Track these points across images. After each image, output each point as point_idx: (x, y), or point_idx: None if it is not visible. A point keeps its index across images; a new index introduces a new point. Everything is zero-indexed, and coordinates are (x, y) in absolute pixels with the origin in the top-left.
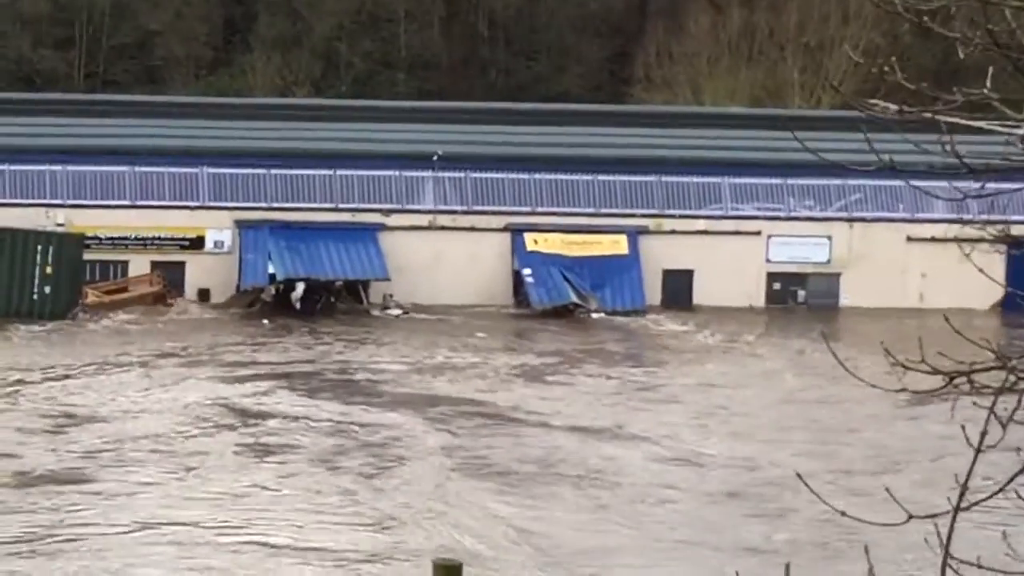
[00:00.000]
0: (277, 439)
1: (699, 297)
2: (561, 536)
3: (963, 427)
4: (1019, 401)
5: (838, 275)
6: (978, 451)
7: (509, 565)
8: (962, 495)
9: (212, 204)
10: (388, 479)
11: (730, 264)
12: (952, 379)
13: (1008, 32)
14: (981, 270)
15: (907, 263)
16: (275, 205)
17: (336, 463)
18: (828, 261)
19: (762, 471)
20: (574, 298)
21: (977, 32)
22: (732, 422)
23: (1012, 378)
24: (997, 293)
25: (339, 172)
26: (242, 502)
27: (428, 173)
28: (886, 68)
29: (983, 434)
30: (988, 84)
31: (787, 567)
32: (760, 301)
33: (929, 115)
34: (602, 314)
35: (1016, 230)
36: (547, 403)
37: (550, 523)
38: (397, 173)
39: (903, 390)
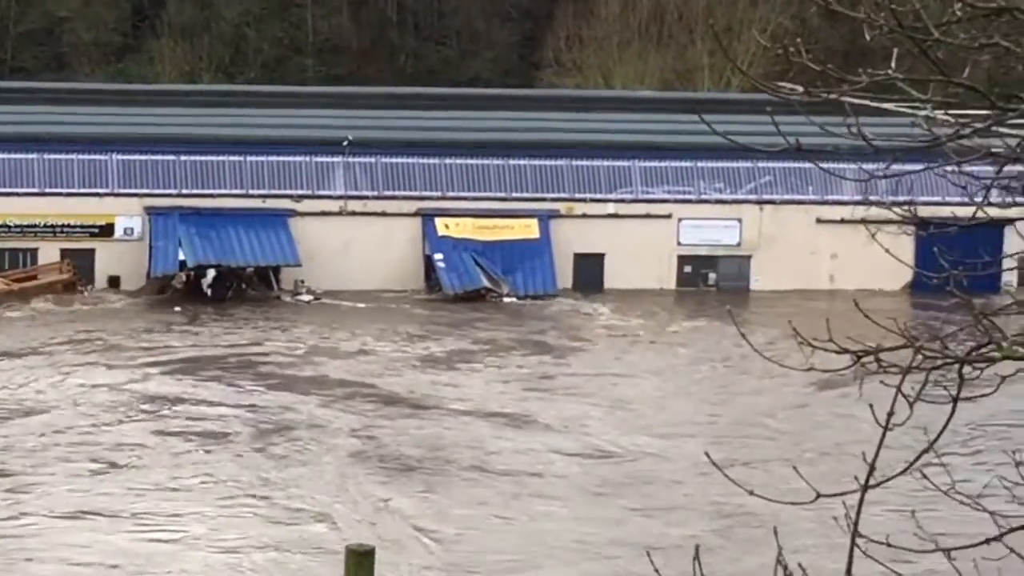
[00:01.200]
0: (186, 426)
1: (610, 280)
2: (455, 531)
3: (871, 406)
4: (925, 380)
5: (748, 257)
6: (885, 429)
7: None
8: (870, 474)
9: (121, 191)
10: (290, 467)
11: (641, 247)
12: (859, 358)
13: (913, 13)
14: (888, 250)
15: (817, 245)
16: (185, 192)
17: (242, 450)
18: (738, 244)
19: (668, 462)
20: (485, 283)
21: (882, 14)
22: (640, 411)
23: (919, 357)
24: (907, 274)
25: (249, 158)
26: (150, 491)
27: (338, 159)
28: (791, 50)
29: (890, 413)
30: (893, 65)
31: (696, 549)
32: (671, 284)
33: (834, 96)
34: (514, 298)
35: (923, 211)
36: (453, 390)
37: (444, 518)
38: (307, 159)
39: (811, 369)
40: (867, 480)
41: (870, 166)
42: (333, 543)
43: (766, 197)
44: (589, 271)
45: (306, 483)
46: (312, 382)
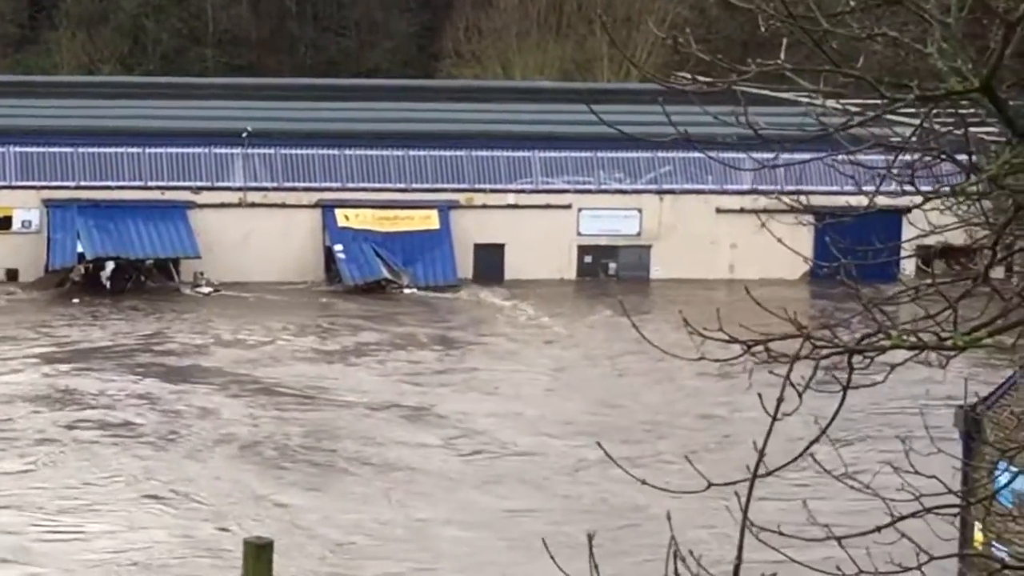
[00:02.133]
0: (79, 418)
1: (511, 271)
2: (338, 534)
3: (760, 395)
4: (815, 369)
5: (648, 247)
6: (774, 419)
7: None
8: (758, 463)
9: (19, 183)
10: (177, 459)
11: (541, 237)
12: (749, 348)
13: (806, 4)
14: (780, 240)
15: (716, 234)
16: (83, 184)
17: (132, 442)
18: (638, 233)
19: (558, 458)
20: (386, 274)
21: (772, 4)
22: (533, 405)
23: (809, 346)
24: (806, 263)
25: (148, 150)
26: (39, 484)
27: (238, 150)
28: (681, 41)
29: (779, 402)
30: (783, 55)
31: (589, 537)
32: (571, 274)
33: (725, 86)
34: (414, 289)
35: (821, 200)
36: (346, 382)
37: (328, 519)
38: (207, 150)
39: (702, 358)
40: (755, 469)
41: (767, 155)
42: (215, 538)
43: (666, 187)
44: (489, 261)
45: (193, 476)
46: (207, 374)
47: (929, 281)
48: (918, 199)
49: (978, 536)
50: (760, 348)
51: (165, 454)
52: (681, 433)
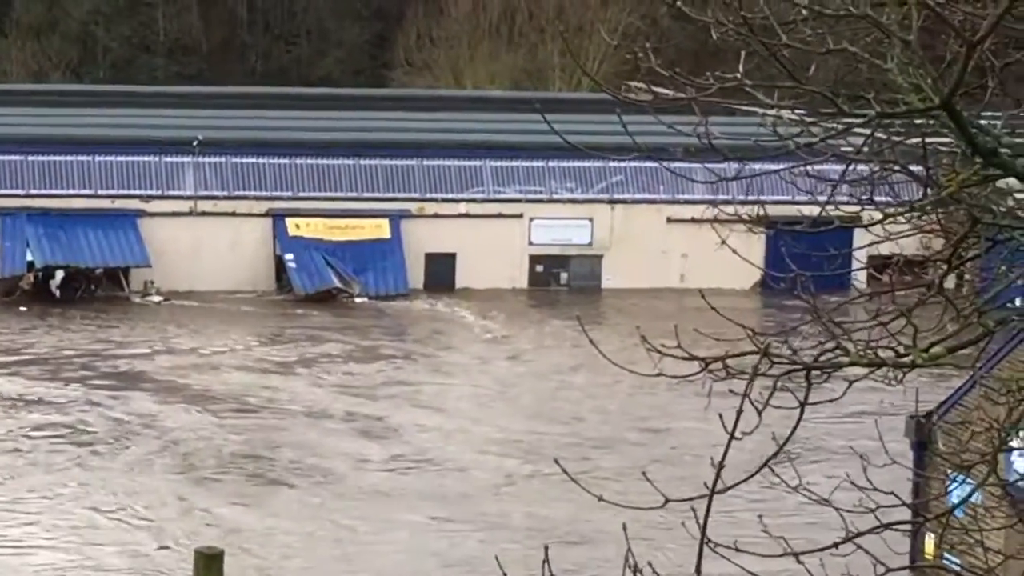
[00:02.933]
0: (23, 426)
1: (462, 280)
2: (266, 548)
3: (720, 416)
4: (774, 386)
5: (600, 257)
6: (732, 436)
7: None
8: (717, 478)
9: None
10: (122, 471)
11: (492, 247)
12: (707, 365)
13: (762, 16)
14: (735, 251)
15: (668, 244)
16: (33, 192)
17: (76, 451)
18: (590, 243)
19: (493, 474)
20: (337, 283)
21: (729, 16)
22: (478, 418)
23: (767, 363)
24: (758, 273)
25: (98, 158)
26: None
27: (188, 159)
28: (639, 54)
29: (737, 418)
30: (741, 69)
31: (545, 548)
32: (523, 283)
33: (680, 99)
34: (365, 298)
35: (775, 210)
36: (290, 393)
37: (258, 532)
38: (157, 159)
39: (659, 375)
40: (714, 484)
41: (721, 166)
42: (142, 551)
43: (617, 197)
44: (441, 271)
45: (129, 487)
46: (152, 383)
47: (884, 290)
48: (877, 214)
49: (929, 547)
50: (718, 365)
51: (105, 463)
52: (636, 447)
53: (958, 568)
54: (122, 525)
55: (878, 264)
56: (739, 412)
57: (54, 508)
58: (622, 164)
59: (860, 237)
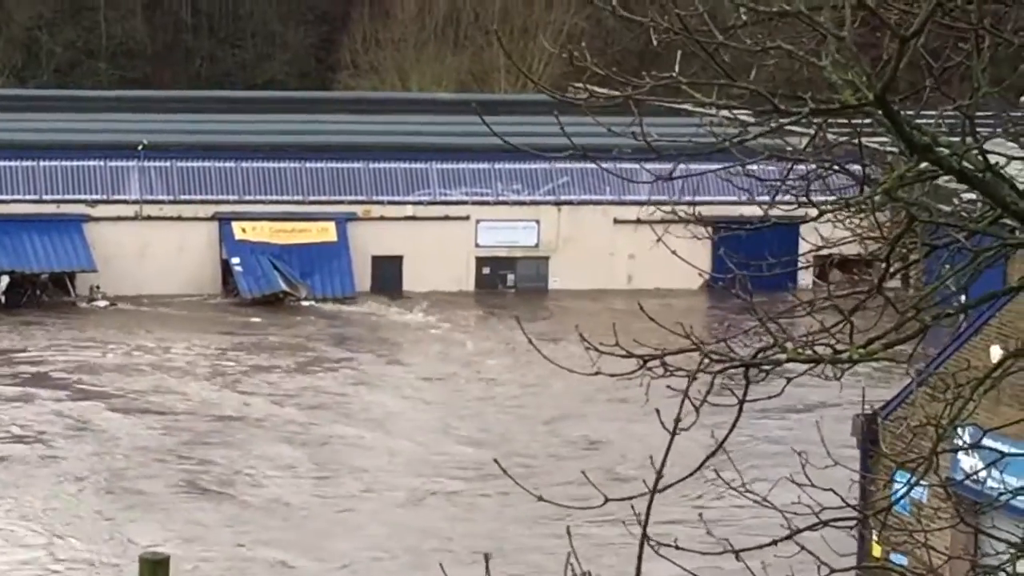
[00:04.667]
0: None
1: (409, 283)
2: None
3: (657, 411)
4: (712, 383)
5: (547, 258)
6: (673, 434)
7: None
8: (659, 477)
9: None
10: (51, 480)
11: (439, 249)
12: (646, 362)
13: (698, 17)
14: (675, 252)
15: (615, 245)
16: None
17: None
18: (537, 245)
19: (436, 482)
20: (283, 286)
21: (665, 17)
22: (416, 423)
23: (706, 360)
24: (701, 276)
25: (42, 163)
26: None
27: (134, 163)
28: (576, 55)
29: (677, 418)
30: (677, 69)
31: (486, 557)
32: (470, 285)
33: (618, 98)
34: (312, 302)
35: (718, 211)
36: (234, 400)
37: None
38: (102, 163)
39: (598, 373)
40: (655, 483)
41: (664, 167)
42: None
43: (564, 198)
44: (388, 273)
45: (55, 500)
46: (92, 388)
47: (824, 295)
48: (814, 212)
49: (876, 548)
50: (656, 362)
51: (37, 471)
52: (577, 447)
53: (903, 568)
54: (34, 537)
55: (821, 266)
56: (680, 411)
57: None
58: (568, 166)
59: (806, 235)
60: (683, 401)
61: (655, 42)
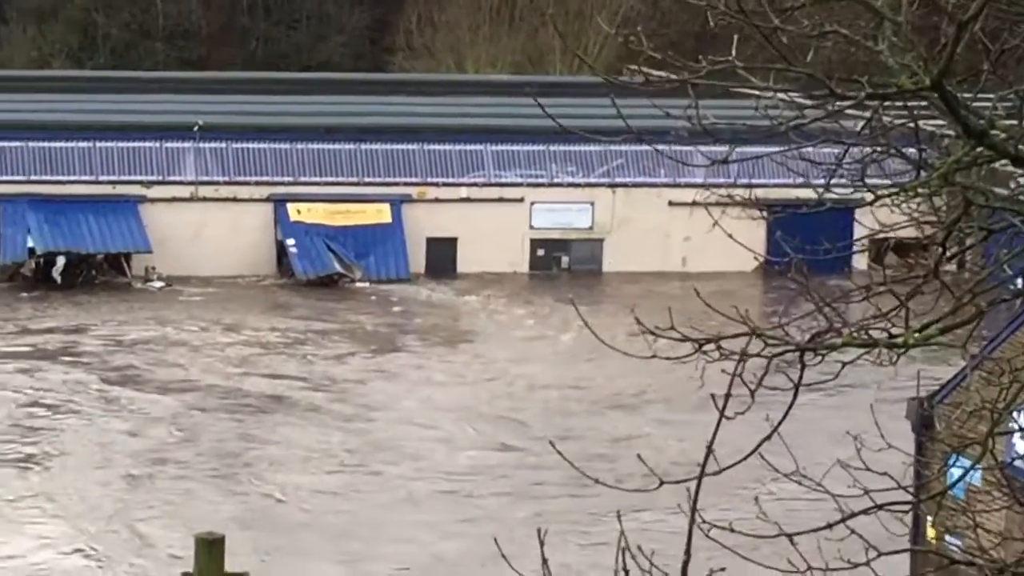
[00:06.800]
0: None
1: (463, 264)
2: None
3: (712, 396)
4: (767, 367)
5: (601, 240)
6: (721, 416)
7: None
8: (706, 460)
9: None
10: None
11: (493, 231)
12: (701, 346)
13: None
14: (731, 235)
15: (669, 227)
16: (34, 178)
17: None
18: (591, 227)
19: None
20: (338, 268)
21: (722, 0)
22: (487, 400)
23: (760, 344)
24: (756, 259)
25: (99, 144)
26: None
27: (189, 144)
28: (632, 39)
29: (726, 399)
30: (734, 52)
31: (539, 532)
32: (524, 267)
33: (675, 82)
34: (367, 283)
35: (775, 194)
36: (282, 384)
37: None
38: (158, 144)
39: (653, 356)
40: (703, 466)
41: (719, 150)
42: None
43: (618, 180)
44: (442, 255)
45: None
46: (146, 369)
47: (880, 279)
48: (869, 196)
49: (931, 531)
50: (711, 346)
51: (81, 458)
52: (630, 430)
53: (957, 550)
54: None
55: (877, 250)
56: (728, 392)
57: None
58: (623, 148)
59: (861, 219)
60: (731, 383)
61: (711, 23)
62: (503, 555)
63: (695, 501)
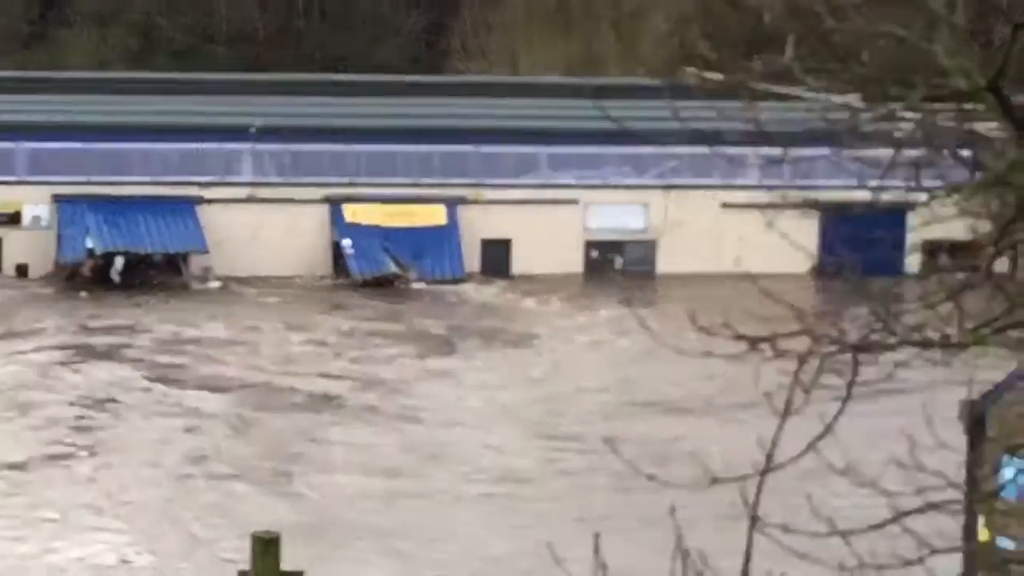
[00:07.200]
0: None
1: (517, 266)
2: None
3: (767, 394)
4: (820, 366)
5: (655, 242)
6: (785, 414)
7: None
8: (769, 459)
9: (30, 179)
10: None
11: (548, 233)
12: (755, 344)
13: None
14: (786, 236)
15: (723, 229)
16: (94, 179)
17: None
18: (645, 228)
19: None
20: (393, 268)
21: (776, 1)
22: (545, 403)
23: (816, 344)
24: (814, 257)
25: (157, 145)
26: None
27: (246, 145)
28: (686, 40)
29: (788, 401)
30: (788, 52)
31: (596, 537)
32: (578, 269)
33: (728, 82)
34: (422, 284)
35: (828, 195)
36: (340, 384)
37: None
38: (216, 146)
39: (708, 355)
40: (766, 465)
41: (772, 151)
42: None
43: (672, 182)
44: (496, 256)
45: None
46: (203, 369)
47: (935, 280)
48: (923, 197)
49: (984, 530)
50: (765, 345)
51: (135, 456)
52: (685, 428)
53: (1009, 550)
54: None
55: (930, 248)
56: (790, 393)
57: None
58: (677, 149)
59: (914, 222)
60: (792, 384)
61: (766, 22)
62: (555, 560)
63: (756, 501)
